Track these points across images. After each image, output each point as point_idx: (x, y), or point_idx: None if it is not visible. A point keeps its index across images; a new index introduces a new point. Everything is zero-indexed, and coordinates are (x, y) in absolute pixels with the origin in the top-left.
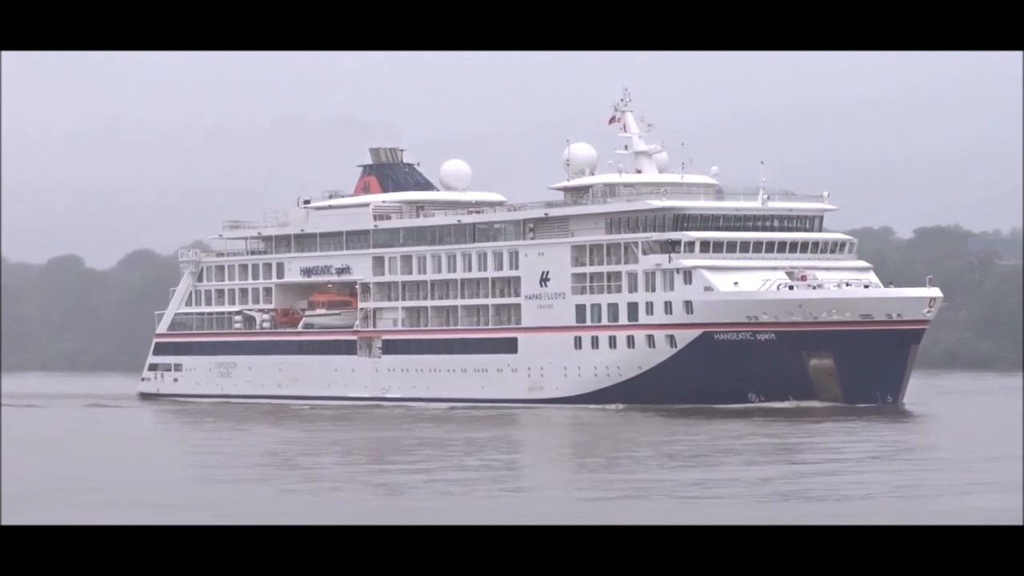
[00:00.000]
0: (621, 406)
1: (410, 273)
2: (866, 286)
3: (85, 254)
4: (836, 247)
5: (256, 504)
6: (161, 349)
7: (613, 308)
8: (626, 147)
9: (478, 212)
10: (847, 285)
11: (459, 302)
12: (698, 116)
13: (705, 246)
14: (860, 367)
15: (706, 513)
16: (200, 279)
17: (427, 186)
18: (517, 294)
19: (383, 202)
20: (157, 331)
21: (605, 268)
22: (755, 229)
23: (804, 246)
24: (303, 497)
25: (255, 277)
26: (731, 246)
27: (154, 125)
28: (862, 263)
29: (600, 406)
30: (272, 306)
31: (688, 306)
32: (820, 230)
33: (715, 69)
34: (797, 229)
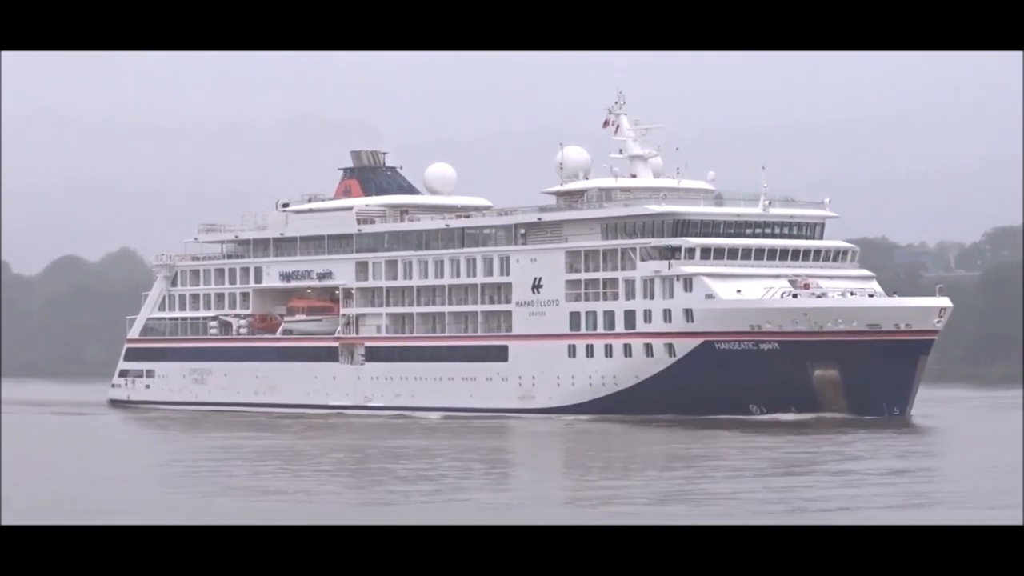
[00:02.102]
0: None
1: (395, 278)
2: (870, 295)
3: (12, 259)
4: (838, 255)
5: (271, 506)
6: (132, 355)
7: (609, 316)
8: (621, 151)
9: (466, 216)
10: (851, 294)
11: (446, 308)
12: (687, 123)
13: (706, 253)
14: (866, 378)
15: (705, 515)
16: (174, 283)
17: (410, 190)
18: (508, 301)
19: (366, 205)
20: (128, 336)
21: (601, 275)
22: (756, 236)
23: (806, 254)
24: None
25: (232, 282)
26: (732, 253)
27: (87, 122)
28: (864, 272)
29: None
30: (249, 311)
31: (688, 314)
32: (821, 238)
33: (702, 76)
34: (798, 236)
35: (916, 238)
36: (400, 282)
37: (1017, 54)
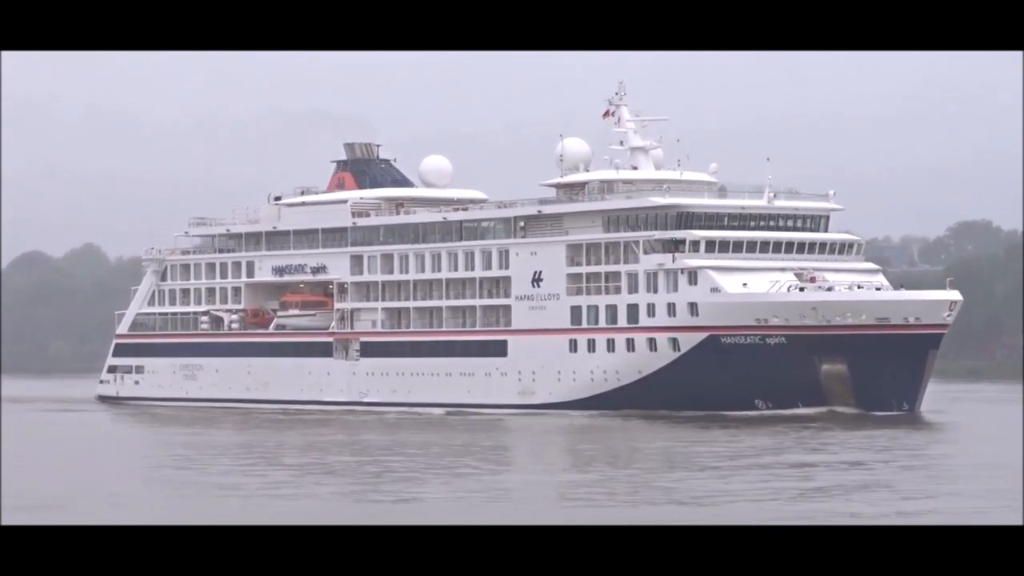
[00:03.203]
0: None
1: (391, 272)
2: (878, 288)
3: None
4: (844, 248)
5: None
6: (121, 350)
7: (611, 310)
8: (621, 143)
9: (464, 209)
10: (859, 287)
11: (444, 303)
12: (686, 123)
13: (711, 245)
14: (875, 373)
15: (704, 513)
16: (164, 278)
17: (404, 183)
18: (507, 295)
19: (361, 199)
20: (117, 332)
21: (603, 268)
22: (760, 228)
23: (812, 246)
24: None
25: (223, 276)
26: (737, 246)
27: (76, 117)
28: (870, 265)
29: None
30: (241, 306)
31: (693, 308)
32: (826, 230)
33: (700, 76)
34: (803, 229)
35: (880, 232)
36: (396, 276)
37: (1017, 54)
